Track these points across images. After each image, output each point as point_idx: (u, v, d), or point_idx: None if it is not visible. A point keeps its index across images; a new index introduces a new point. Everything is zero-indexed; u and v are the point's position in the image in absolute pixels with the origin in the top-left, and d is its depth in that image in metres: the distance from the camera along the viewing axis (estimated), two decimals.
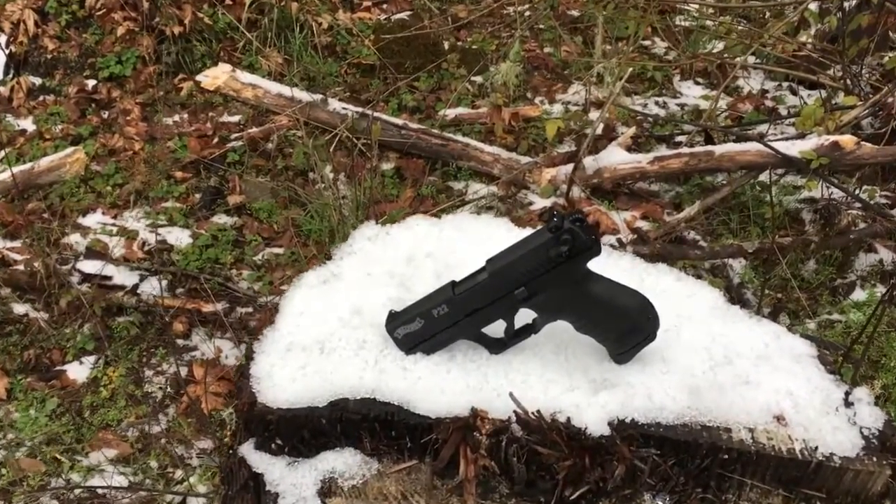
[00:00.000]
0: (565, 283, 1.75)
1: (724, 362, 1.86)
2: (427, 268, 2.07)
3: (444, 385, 1.79)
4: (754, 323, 2.00)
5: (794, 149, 4.82)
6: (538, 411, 1.68)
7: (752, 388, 1.81)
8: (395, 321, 1.86)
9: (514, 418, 1.67)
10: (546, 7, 6.00)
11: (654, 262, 2.19)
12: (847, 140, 4.80)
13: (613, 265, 2.12)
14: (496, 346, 1.87)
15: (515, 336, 1.86)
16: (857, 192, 4.91)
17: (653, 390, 1.78)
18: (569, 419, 1.66)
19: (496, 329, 1.80)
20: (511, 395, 1.74)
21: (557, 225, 1.70)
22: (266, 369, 1.83)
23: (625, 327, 1.80)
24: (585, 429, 1.67)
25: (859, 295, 4.58)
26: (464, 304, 1.80)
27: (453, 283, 1.83)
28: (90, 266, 4.77)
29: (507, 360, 1.85)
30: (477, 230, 2.18)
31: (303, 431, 1.76)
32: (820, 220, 4.71)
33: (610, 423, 1.68)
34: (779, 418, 1.77)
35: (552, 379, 1.77)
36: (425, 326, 1.83)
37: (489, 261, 1.80)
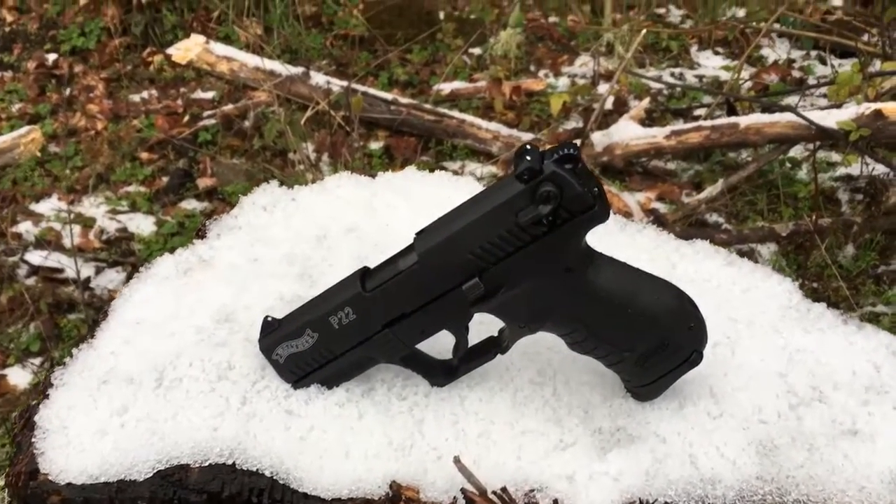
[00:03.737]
0: (549, 269, 0.98)
1: (812, 398, 1.09)
2: (346, 250, 1.29)
3: (350, 441, 1.01)
4: (853, 331, 1.19)
5: (829, 119, 4.07)
6: (503, 489, 0.89)
7: (864, 443, 1.03)
8: (273, 335, 1.08)
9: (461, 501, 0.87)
10: None
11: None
12: (891, 108, 4.01)
13: (627, 244, 1.33)
14: (439, 375, 1.09)
15: (470, 358, 1.07)
16: None
17: (697, 448, 0.98)
18: (556, 503, 0.88)
19: (440, 345, 1.01)
20: (457, 460, 0.94)
21: (532, 167, 0.91)
22: (60, 415, 1.04)
23: (650, 342, 1.01)
24: None
25: None
26: (381, 306, 1.02)
27: (364, 273, 1.04)
28: (40, 258, 4.06)
29: (458, 399, 1.07)
30: (427, 194, 1.39)
31: None
32: (865, 199, 3.89)
33: None
34: None
35: (530, 429, 0.98)
36: (321, 343, 1.06)
37: (420, 234, 1.01)
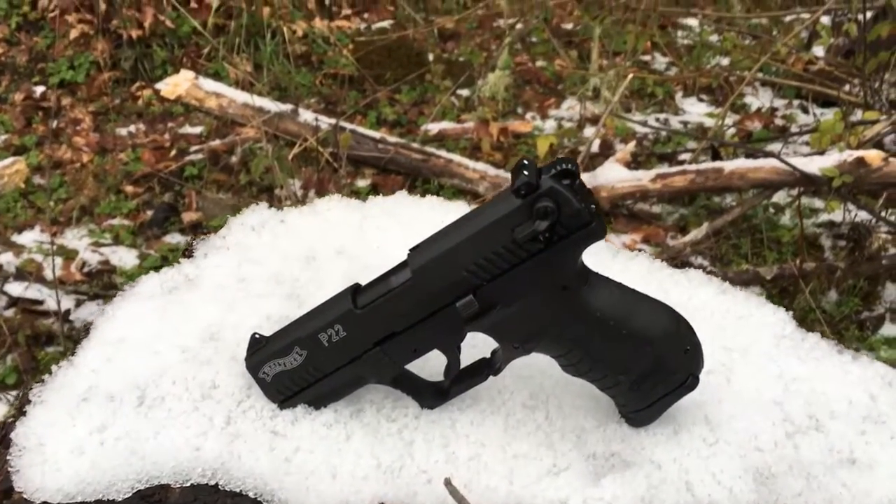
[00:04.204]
0: (545, 287, 0.95)
1: (809, 427, 1.07)
2: (335, 270, 1.26)
3: (338, 463, 0.98)
4: (847, 361, 1.17)
5: (812, 165, 4.09)
6: None
7: (863, 472, 1.02)
8: (260, 352, 1.05)
9: None
10: (539, 17, 5.23)
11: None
12: (874, 156, 4.04)
13: (620, 271, 1.31)
14: (430, 397, 1.06)
15: (461, 379, 1.04)
16: (884, 214, 4.12)
17: (693, 474, 0.95)
18: None
19: (432, 363, 0.99)
20: (448, 482, 0.91)
21: (529, 182, 0.89)
22: (38, 433, 1.01)
23: (645, 365, 0.99)
24: None
25: (889, 330, 3.83)
26: (372, 323, 1.00)
27: (355, 290, 1.02)
28: (20, 289, 4.00)
29: (449, 421, 1.04)
30: (417, 217, 1.36)
31: None
32: (848, 245, 3.90)
33: None
34: None
35: (523, 453, 0.95)
36: (309, 361, 1.03)
37: (414, 250, 0.98)
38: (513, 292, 0.97)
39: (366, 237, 1.33)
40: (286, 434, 1.03)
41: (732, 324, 1.22)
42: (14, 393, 3.61)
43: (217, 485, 0.99)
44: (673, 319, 1.01)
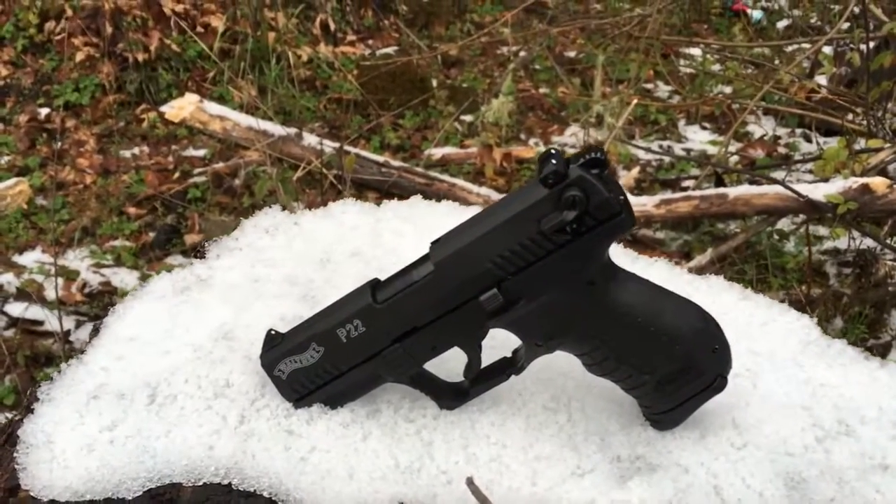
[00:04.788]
0: (571, 281, 0.92)
1: (839, 432, 1.03)
2: (350, 272, 1.23)
3: (355, 463, 0.94)
4: (875, 367, 1.14)
5: (817, 192, 4.05)
6: None
7: None
8: (276, 349, 1.02)
9: None
10: (542, 45, 5.25)
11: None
12: (879, 183, 4.01)
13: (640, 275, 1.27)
14: (449, 397, 1.03)
15: (483, 379, 1.01)
16: (889, 240, 4.09)
17: (722, 478, 0.92)
18: None
19: (450, 366, 0.95)
20: (470, 481, 0.88)
21: (557, 171, 0.86)
22: (46, 430, 0.97)
23: (672, 365, 0.95)
24: None
25: None
26: (392, 318, 0.96)
27: (375, 284, 0.99)
28: (21, 309, 3.97)
29: (469, 422, 1.01)
30: (433, 222, 1.33)
31: None
32: (854, 272, 3.87)
33: None
34: None
35: (545, 454, 0.91)
36: (326, 358, 0.99)
37: (436, 243, 0.96)
38: (538, 286, 0.94)
39: (381, 240, 1.30)
40: (301, 433, 1.00)
41: (756, 329, 1.19)
42: (11, 414, 3.56)
43: (230, 484, 0.95)
44: (701, 317, 0.98)
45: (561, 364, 1.08)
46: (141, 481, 0.94)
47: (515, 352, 1.04)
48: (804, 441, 1.02)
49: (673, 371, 0.98)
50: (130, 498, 0.94)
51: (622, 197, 0.91)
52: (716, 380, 0.99)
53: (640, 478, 0.96)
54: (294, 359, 1.01)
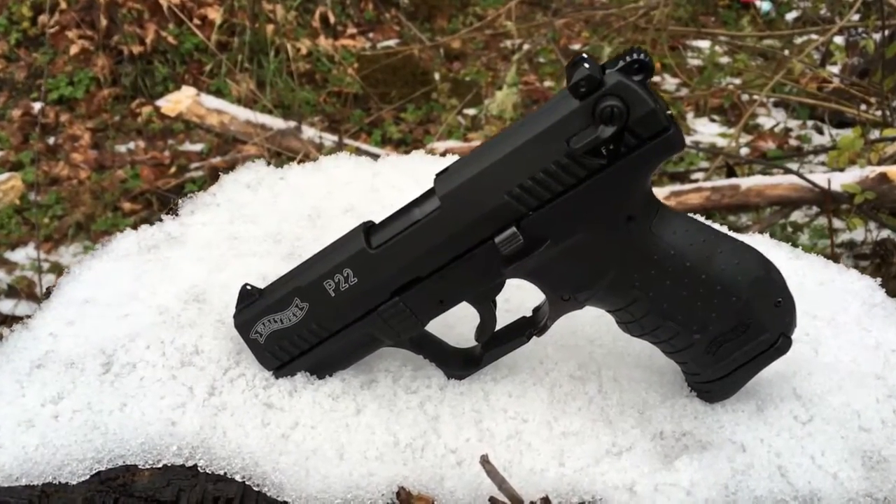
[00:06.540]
0: (606, 217, 0.75)
1: None
2: (343, 229, 1.05)
3: (346, 440, 0.77)
4: None
5: (833, 182, 3.88)
6: (545, 500, 0.64)
7: None
8: (252, 307, 0.84)
9: None
10: (547, 37, 5.09)
11: None
12: None
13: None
14: (458, 365, 0.85)
15: (498, 341, 0.84)
16: None
17: (786, 458, 0.74)
18: None
19: (459, 331, 0.79)
20: (485, 460, 0.71)
21: (591, 76, 0.69)
22: None
23: (727, 321, 0.78)
24: None
25: None
26: (390, 266, 0.79)
27: (369, 227, 0.82)
28: (10, 306, 3.81)
29: (481, 393, 0.83)
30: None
31: None
32: (874, 261, 3.70)
33: None
34: None
35: (573, 430, 0.74)
36: (312, 316, 0.82)
37: (441, 174, 0.79)
38: (566, 224, 0.76)
39: (378, 195, 1.13)
40: (282, 407, 0.83)
41: (813, 289, 1.02)
42: None
43: (196, 466, 0.78)
44: (762, 264, 0.81)
45: (587, 330, 0.91)
46: (88, 462, 0.78)
47: (536, 310, 0.87)
48: (881, 414, 0.85)
49: (727, 329, 0.80)
50: (75, 482, 0.77)
51: (668, 110, 0.74)
52: (779, 339, 0.82)
53: (688, 457, 0.79)
54: (274, 318, 0.84)
